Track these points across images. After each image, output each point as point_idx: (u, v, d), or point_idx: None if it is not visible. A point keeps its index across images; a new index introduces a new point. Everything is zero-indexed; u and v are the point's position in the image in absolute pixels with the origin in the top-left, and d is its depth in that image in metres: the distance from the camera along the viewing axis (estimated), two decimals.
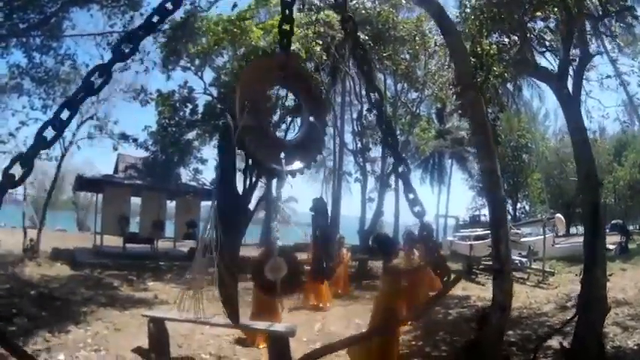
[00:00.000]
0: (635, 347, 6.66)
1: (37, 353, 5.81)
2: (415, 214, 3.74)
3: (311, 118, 3.72)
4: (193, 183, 19.96)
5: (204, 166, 18.53)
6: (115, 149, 20.74)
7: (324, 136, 3.88)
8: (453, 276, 3.25)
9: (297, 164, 3.65)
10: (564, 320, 6.28)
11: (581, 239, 20.82)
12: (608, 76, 10.31)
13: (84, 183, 19.88)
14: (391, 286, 6.03)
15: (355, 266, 15.70)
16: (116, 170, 20.66)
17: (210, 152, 19.36)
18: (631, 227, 27.13)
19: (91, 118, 19.81)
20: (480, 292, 12.98)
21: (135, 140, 19.67)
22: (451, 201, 50.16)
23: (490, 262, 16.42)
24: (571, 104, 5.38)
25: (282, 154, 3.47)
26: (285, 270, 4.03)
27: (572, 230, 32.39)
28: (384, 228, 38.13)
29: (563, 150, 35.19)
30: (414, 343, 7.89)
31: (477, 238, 19.82)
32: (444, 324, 9.44)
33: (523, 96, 29.23)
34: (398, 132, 22.27)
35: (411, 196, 3.63)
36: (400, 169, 3.38)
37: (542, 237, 16.38)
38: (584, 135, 5.29)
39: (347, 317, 10.20)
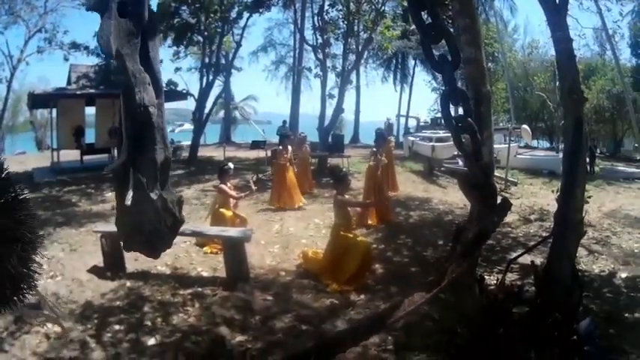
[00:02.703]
0: (601, 273, 6.80)
1: None
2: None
3: None
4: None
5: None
6: (66, 60, 19.68)
7: None
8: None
9: None
10: (538, 239, 6.24)
11: (544, 153, 21.11)
12: None
13: (37, 100, 18.47)
14: (341, 217, 6.55)
15: (315, 164, 15.75)
16: (69, 82, 19.42)
17: (165, 53, 18.52)
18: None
19: (39, 31, 18.56)
20: (442, 195, 12.98)
21: (86, 48, 18.93)
22: (413, 102, 50.44)
23: (452, 165, 16.56)
24: (557, 11, 4.89)
25: None
26: None
27: (534, 144, 33.13)
28: (344, 126, 38.35)
29: (529, 64, 35.45)
30: (374, 246, 7.77)
31: (439, 140, 19.16)
32: (405, 227, 9.39)
33: (494, 6, 28.50)
34: (361, 29, 21.52)
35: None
36: None
37: (507, 146, 16.25)
38: (570, 46, 4.83)
39: (307, 217, 10.11)
